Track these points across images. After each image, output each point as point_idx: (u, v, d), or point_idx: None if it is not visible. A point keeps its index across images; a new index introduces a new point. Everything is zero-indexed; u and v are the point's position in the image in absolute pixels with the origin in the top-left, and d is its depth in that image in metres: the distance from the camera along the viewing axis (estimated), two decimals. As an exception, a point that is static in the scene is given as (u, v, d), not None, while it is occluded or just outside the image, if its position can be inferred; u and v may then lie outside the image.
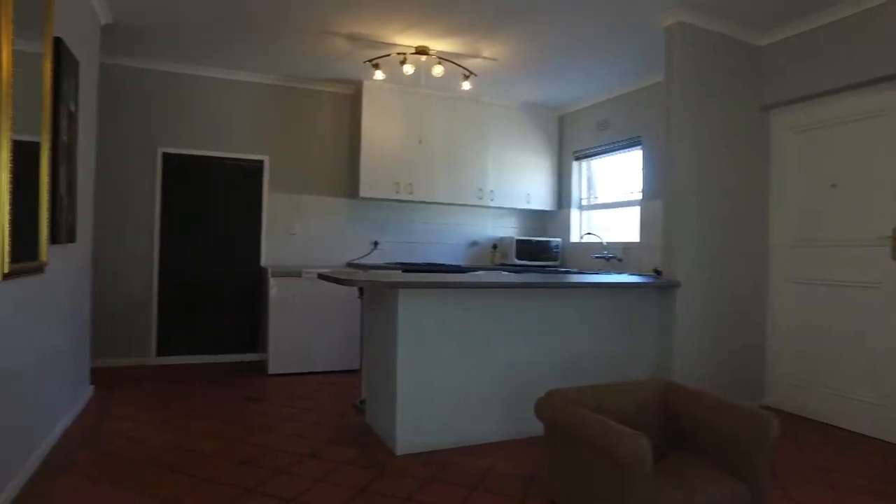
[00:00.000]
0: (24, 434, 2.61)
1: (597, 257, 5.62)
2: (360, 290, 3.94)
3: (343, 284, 3.19)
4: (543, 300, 3.46)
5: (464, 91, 5.23)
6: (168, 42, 4.55)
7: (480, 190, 5.89)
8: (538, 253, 6.09)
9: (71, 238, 3.19)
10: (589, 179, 6.19)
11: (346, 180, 5.67)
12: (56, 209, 2.86)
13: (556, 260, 6.16)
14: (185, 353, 5.11)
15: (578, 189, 6.24)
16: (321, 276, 3.44)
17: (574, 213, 6.23)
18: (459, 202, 5.79)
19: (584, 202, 6.20)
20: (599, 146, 5.81)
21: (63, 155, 2.98)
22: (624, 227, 5.60)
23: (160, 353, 5.05)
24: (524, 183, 6.14)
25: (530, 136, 6.17)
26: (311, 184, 5.56)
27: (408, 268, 5.24)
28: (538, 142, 6.21)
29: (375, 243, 5.76)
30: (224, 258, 5.23)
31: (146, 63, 4.98)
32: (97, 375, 4.36)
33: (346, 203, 5.68)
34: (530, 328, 3.41)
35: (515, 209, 6.36)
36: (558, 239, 6.20)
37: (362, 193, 5.33)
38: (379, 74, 4.63)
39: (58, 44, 2.83)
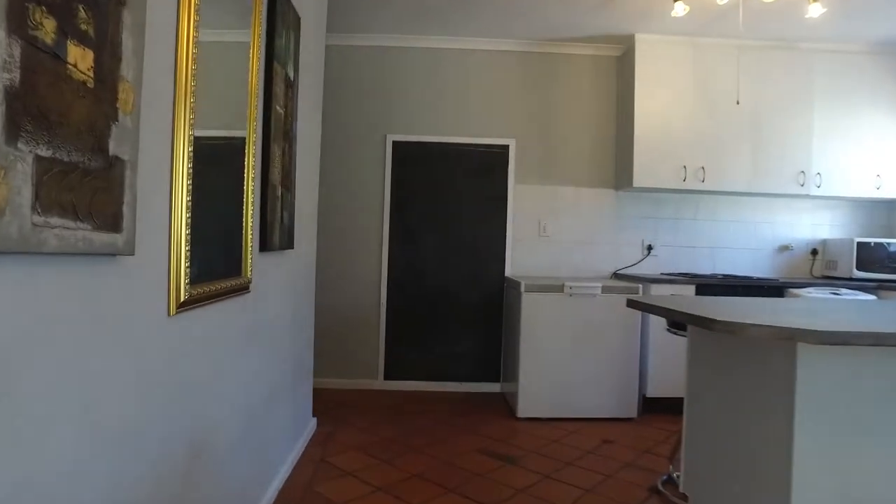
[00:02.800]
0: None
1: None
2: (674, 323, 2.63)
3: (703, 326, 1.87)
4: None
5: (779, 37, 3.59)
6: (389, 11, 3.73)
7: (802, 173, 4.16)
8: (890, 263, 4.15)
9: (288, 243, 2.40)
10: (982, 152, 4.06)
11: (613, 166, 4.38)
12: (267, 206, 2.05)
13: (922, 273, 4.15)
14: (416, 378, 4.29)
15: (963, 167, 4.14)
16: (634, 304, 2.20)
17: (955, 204, 4.15)
18: (768, 191, 4.14)
19: (974, 187, 4.09)
20: None
21: (277, 131, 2.17)
22: None
23: (388, 375, 4.29)
24: (871, 161, 4.23)
25: (882, 91, 4.24)
26: (568, 172, 4.38)
27: (700, 282, 3.78)
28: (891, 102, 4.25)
29: (649, 248, 4.38)
30: (462, 266, 4.31)
31: (365, 39, 4.26)
32: (320, 399, 3.69)
33: (611, 196, 4.39)
34: None
35: (851, 199, 4.46)
36: (926, 242, 4.17)
37: (637, 182, 4.00)
38: (680, 8, 3.24)
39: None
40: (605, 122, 4.38)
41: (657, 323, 3.76)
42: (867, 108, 4.23)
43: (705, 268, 4.42)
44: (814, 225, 4.54)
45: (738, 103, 4.01)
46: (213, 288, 1.55)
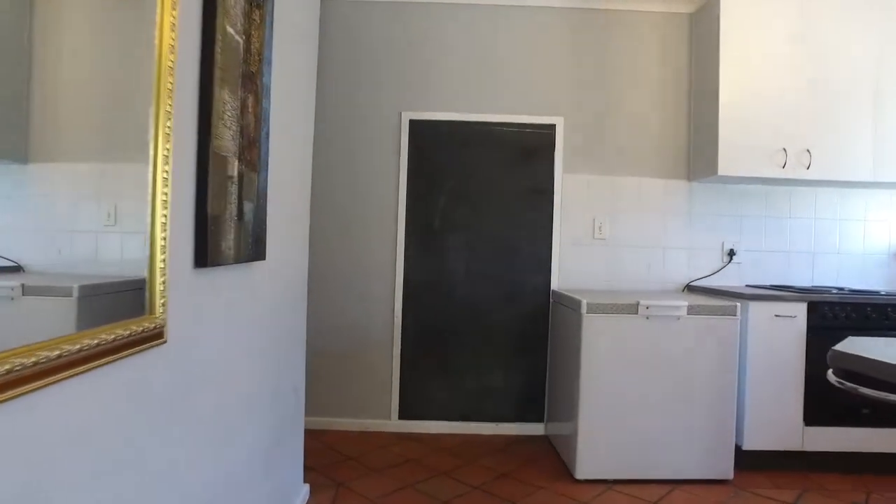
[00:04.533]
0: None
1: None
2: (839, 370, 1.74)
3: None
4: None
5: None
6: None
7: (935, 157, 3.25)
8: None
9: (254, 252, 1.53)
10: None
11: (686, 151, 3.48)
12: (208, 190, 1.18)
13: None
14: (438, 418, 3.40)
15: None
16: (841, 360, 1.32)
17: None
18: (890, 180, 3.23)
19: None
20: None
21: (229, 68, 1.30)
22: None
23: (403, 413, 3.41)
24: None
25: None
26: (629, 159, 3.48)
27: (813, 297, 2.88)
28: None
29: (731, 253, 3.48)
30: (496, 275, 3.42)
31: (389, -12, 3.40)
32: (316, 450, 2.83)
33: (683, 188, 3.49)
34: None
35: None
36: None
37: (722, 170, 3.11)
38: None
39: None
40: (676, 97, 3.49)
41: (757, 353, 2.86)
42: None
43: (803, 278, 3.51)
44: (937, 225, 3.62)
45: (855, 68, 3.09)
46: (74, 348, 0.69)
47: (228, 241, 1.32)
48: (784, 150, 3.12)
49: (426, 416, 3.40)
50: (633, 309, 2.74)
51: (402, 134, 3.39)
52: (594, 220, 3.44)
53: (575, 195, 3.44)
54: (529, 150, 3.42)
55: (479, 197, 3.41)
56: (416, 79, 3.41)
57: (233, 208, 1.34)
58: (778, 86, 3.13)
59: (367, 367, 3.39)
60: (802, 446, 2.90)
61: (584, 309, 2.74)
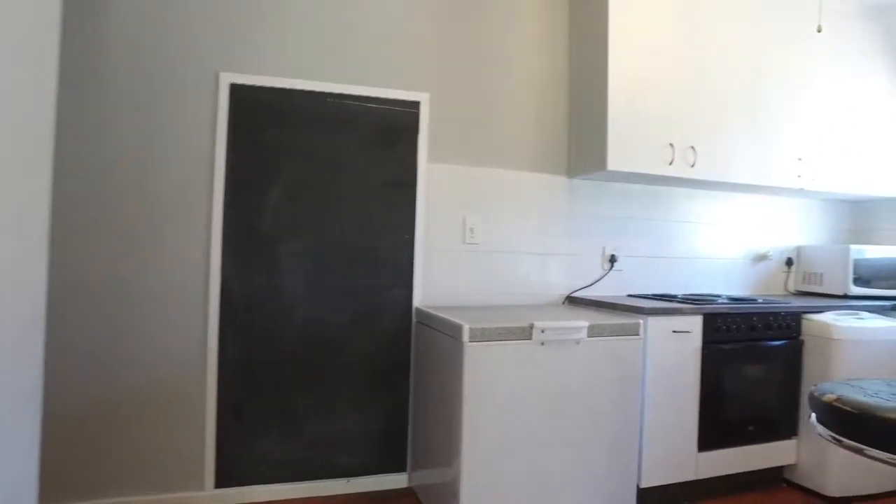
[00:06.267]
0: None
1: None
2: (824, 415, 1.32)
3: None
4: None
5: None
6: None
7: (800, 160, 3.19)
8: (891, 277, 3.34)
9: None
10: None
11: (567, 144, 3.05)
12: None
13: (917, 288, 3.40)
14: (272, 480, 2.58)
15: (959, 160, 3.46)
16: None
17: (951, 205, 3.45)
18: (769, 184, 3.10)
19: (967, 184, 3.41)
20: None
21: None
22: None
23: (223, 479, 2.52)
24: (863, 151, 3.40)
25: (873, 62, 3.43)
26: (507, 147, 2.96)
27: (708, 310, 2.58)
28: (889, 75, 3.46)
29: (612, 259, 3.13)
30: (347, 291, 2.68)
31: None
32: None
33: (563, 186, 3.05)
34: None
35: (843, 198, 3.62)
36: (921, 251, 3.43)
37: (612, 165, 2.71)
38: None
39: None
40: (556, 83, 3.04)
41: (655, 375, 2.49)
42: (859, 82, 3.39)
43: (679, 285, 3.28)
44: (791, 228, 3.64)
45: (818, 30, 3.01)
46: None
47: None
48: (671, 145, 2.82)
49: (255, 480, 2.55)
50: (525, 333, 2.19)
51: (220, 102, 2.50)
52: (465, 220, 2.87)
53: (442, 190, 2.83)
54: (388, 132, 2.73)
55: (324, 190, 2.64)
56: (242, 28, 2.54)
57: None
58: (667, 78, 2.82)
59: (167, 421, 2.44)
60: (696, 475, 2.60)
61: (465, 336, 2.12)
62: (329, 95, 2.63)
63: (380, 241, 2.71)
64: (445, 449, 2.26)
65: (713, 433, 2.63)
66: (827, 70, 3.24)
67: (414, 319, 2.75)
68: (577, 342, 2.25)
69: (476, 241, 2.87)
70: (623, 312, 2.57)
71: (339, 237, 2.65)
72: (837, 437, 1.28)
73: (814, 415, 1.39)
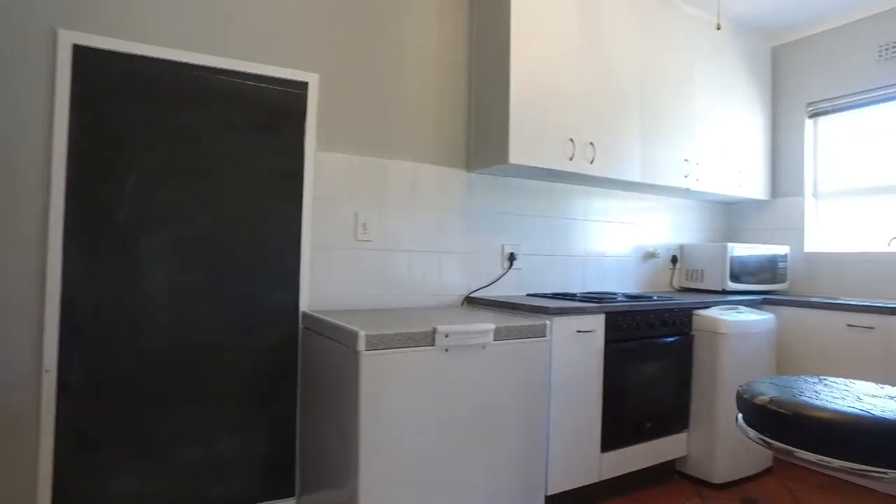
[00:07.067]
0: None
1: (909, 283, 3.17)
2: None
3: None
4: None
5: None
6: None
7: (687, 161, 3.29)
8: (759, 272, 3.55)
9: None
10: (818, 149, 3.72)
11: (466, 135, 2.90)
12: None
13: (783, 282, 3.65)
14: (130, 516, 2.18)
15: (814, 166, 3.76)
16: None
17: (809, 205, 3.74)
18: (655, 182, 3.15)
19: (823, 187, 3.72)
20: (885, 88, 3.34)
21: None
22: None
23: (67, 521, 2.09)
24: (735, 155, 3.60)
25: (736, 76, 3.63)
26: (403, 137, 2.75)
27: (609, 308, 2.54)
28: (749, 88, 3.68)
29: (511, 257, 3.02)
30: (221, 294, 2.32)
31: None
32: None
33: (462, 180, 2.89)
34: None
35: (717, 199, 3.81)
36: (785, 249, 3.68)
37: (514, 158, 2.59)
38: None
39: None
40: (455, 70, 2.88)
41: (561, 378, 2.40)
42: (730, 91, 3.58)
43: (576, 284, 3.26)
44: (676, 227, 3.77)
45: (717, 28, 3.10)
46: None
47: None
48: (572, 141, 2.76)
49: (106, 523, 2.13)
50: (428, 339, 2.00)
51: (60, 68, 2.05)
52: (357, 215, 2.62)
53: (332, 181, 2.56)
54: (271, 116, 2.42)
55: (196, 178, 2.27)
56: (84, -18, 2.11)
57: None
58: (569, 73, 2.77)
59: (-11, 459, 1.96)
60: (600, 476, 2.56)
61: (362, 344, 1.88)
62: (201, 69, 2.27)
63: (261, 236, 2.39)
64: (340, 469, 2.01)
65: (615, 433, 2.60)
66: (707, 79, 3.38)
67: (301, 325, 2.46)
68: (484, 347, 2.10)
69: (369, 237, 2.64)
70: (527, 313, 2.46)
71: (212, 232, 2.29)
72: (767, 439, 1.21)
73: (740, 415, 1.32)
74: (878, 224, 3.41)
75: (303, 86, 2.47)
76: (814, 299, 3.15)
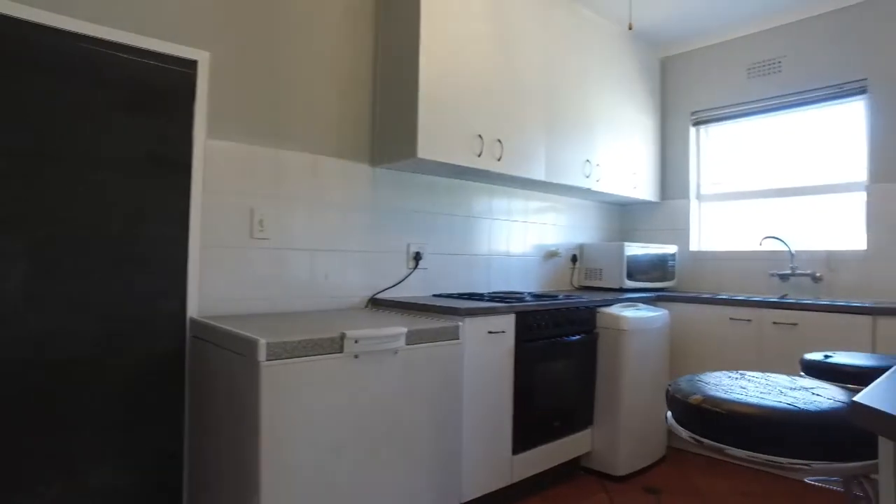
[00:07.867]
0: None
1: (782, 276, 3.44)
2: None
3: None
4: None
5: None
6: None
7: (588, 162, 3.36)
8: (652, 270, 3.72)
9: None
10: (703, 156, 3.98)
11: (370, 128, 2.74)
12: None
13: (672, 279, 3.86)
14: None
15: (697, 171, 4.01)
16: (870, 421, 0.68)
17: (694, 207, 3.97)
18: (559, 182, 3.18)
19: (706, 191, 3.97)
20: (754, 102, 3.62)
21: None
22: (820, 228, 3.47)
23: None
24: (630, 158, 3.74)
25: (632, 83, 3.79)
26: (302, 129, 2.54)
27: (518, 308, 2.51)
28: (642, 95, 3.85)
29: (417, 256, 2.91)
30: (89, 300, 2.00)
31: None
32: None
33: (365, 175, 2.73)
34: None
35: (613, 200, 3.94)
36: (673, 248, 3.89)
37: (422, 153, 2.48)
38: None
39: None
40: (362, 57, 2.72)
41: (472, 381, 2.33)
42: (626, 97, 3.73)
43: (482, 283, 3.21)
44: (573, 227, 3.85)
45: (630, 28, 3.08)
46: None
47: None
48: (480, 137, 2.71)
49: (-62, 581, 1.75)
50: (335, 346, 1.83)
51: None
52: (252, 211, 2.38)
53: (225, 172, 2.31)
54: (152, 97, 2.13)
55: (59, 164, 1.94)
56: None
57: None
58: (478, 67, 2.71)
59: None
60: (512, 478, 2.51)
61: (262, 353, 1.69)
62: (66, 34, 1.94)
63: (140, 233, 2.09)
64: (239, 492, 1.79)
65: (526, 434, 2.57)
66: (605, 84, 3.48)
67: (189, 334, 2.19)
68: (395, 352, 1.97)
69: (266, 235, 2.41)
70: (438, 315, 2.36)
71: (79, 228, 1.97)
72: (699, 438, 1.19)
73: (669, 413, 1.30)
74: (752, 225, 3.69)
75: (191, 64, 2.20)
76: (702, 295, 3.34)
